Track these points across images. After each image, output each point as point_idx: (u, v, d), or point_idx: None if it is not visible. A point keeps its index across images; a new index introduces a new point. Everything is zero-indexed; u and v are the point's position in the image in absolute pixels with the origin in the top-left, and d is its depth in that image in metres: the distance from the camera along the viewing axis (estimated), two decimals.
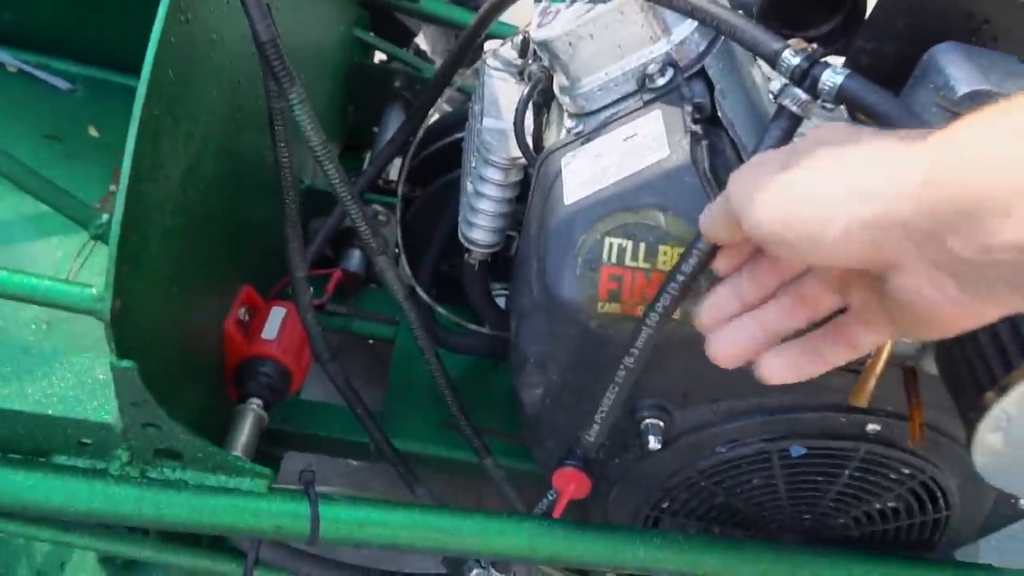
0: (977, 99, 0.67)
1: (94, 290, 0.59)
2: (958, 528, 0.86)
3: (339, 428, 1.14)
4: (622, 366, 0.69)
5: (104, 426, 0.68)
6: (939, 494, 0.82)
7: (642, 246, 0.69)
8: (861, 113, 0.61)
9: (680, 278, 0.64)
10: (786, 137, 0.63)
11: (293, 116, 0.67)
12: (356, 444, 1.14)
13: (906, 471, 0.80)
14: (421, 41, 1.64)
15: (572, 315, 0.72)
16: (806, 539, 0.86)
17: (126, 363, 0.61)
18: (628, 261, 0.70)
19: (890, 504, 0.83)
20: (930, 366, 0.65)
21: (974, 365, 0.54)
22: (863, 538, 0.87)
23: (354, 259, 1.25)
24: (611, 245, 0.70)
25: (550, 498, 0.77)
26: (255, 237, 1.02)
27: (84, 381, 0.70)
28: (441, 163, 1.25)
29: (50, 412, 0.69)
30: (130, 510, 0.70)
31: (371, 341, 1.35)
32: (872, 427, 0.77)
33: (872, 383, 0.64)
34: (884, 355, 0.63)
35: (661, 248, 0.69)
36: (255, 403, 0.93)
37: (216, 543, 0.83)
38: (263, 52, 0.64)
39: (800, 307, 0.52)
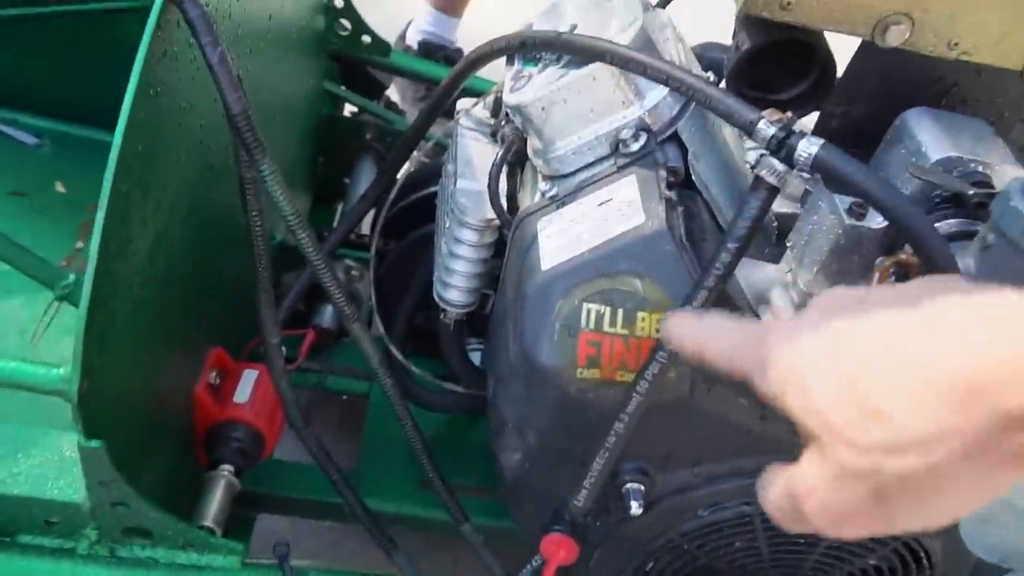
0: (949, 165, 0.68)
1: (61, 371, 0.57)
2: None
3: (312, 490, 1.12)
4: (612, 432, 0.68)
5: (71, 505, 0.66)
6: (923, 555, 0.82)
7: (620, 312, 0.69)
8: (836, 183, 0.62)
9: (663, 356, 0.64)
10: (764, 208, 0.63)
11: (264, 187, 0.66)
12: (330, 505, 1.11)
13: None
14: (392, 92, 1.64)
15: (551, 380, 0.72)
16: None
17: (94, 443, 0.59)
18: (607, 327, 0.70)
19: (873, 564, 0.83)
20: None
21: None
22: None
23: (327, 315, 1.24)
24: (589, 311, 0.70)
25: (534, 565, 0.76)
26: (226, 293, 1.00)
27: (51, 459, 0.68)
28: (414, 216, 1.25)
29: (15, 492, 0.67)
30: None
31: (344, 397, 1.33)
32: None
33: None
34: None
35: (639, 315, 0.69)
36: (227, 469, 0.91)
37: None
38: (234, 124, 0.63)
39: None
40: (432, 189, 1.22)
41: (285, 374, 0.81)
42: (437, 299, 0.93)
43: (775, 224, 0.82)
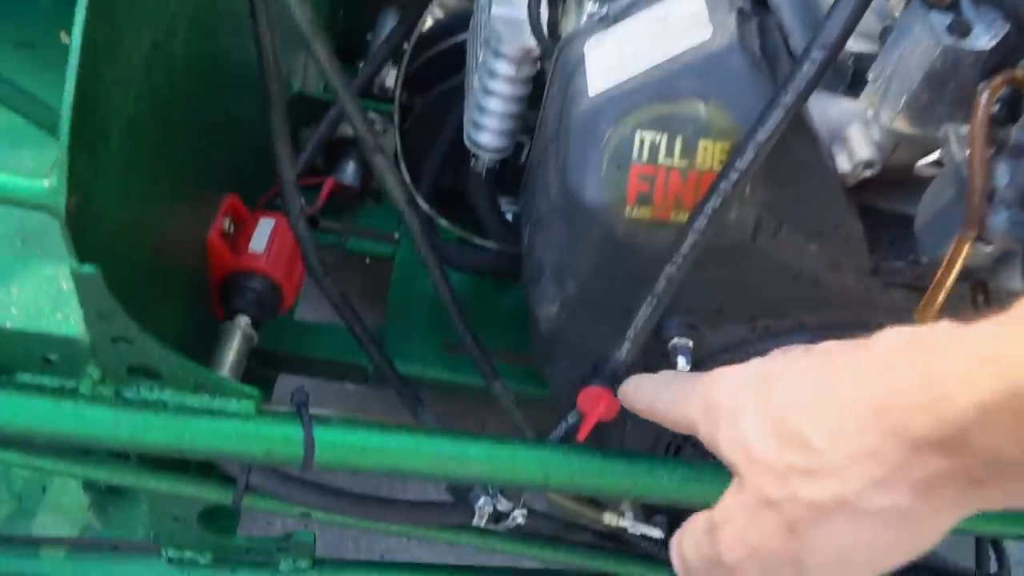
0: None
1: (47, 182, 0.50)
2: None
3: (335, 350, 1.08)
4: (663, 276, 0.61)
5: (70, 340, 0.60)
6: None
7: (678, 141, 0.61)
8: None
9: (734, 176, 0.56)
10: (856, 16, 0.53)
11: None
12: (353, 366, 1.07)
13: None
14: None
15: (596, 220, 0.64)
16: None
17: (88, 268, 0.53)
18: (662, 158, 0.62)
19: None
20: (1010, 280, 0.57)
21: None
22: None
23: (348, 171, 1.17)
24: (642, 140, 0.61)
25: (570, 421, 0.70)
26: (239, 141, 0.93)
27: (46, 291, 0.62)
28: (441, 69, 1.15)
29: (8, 325, 0.61)
30: (103, 433, 0.63)
31: (368, 260, 1.27)
32: None
33: (941, 298, 0.57)
34: (957, 265, 0.55)
35: (701, 143, 0.61)
36: (243, 320, 0.86)
37: (204, 468, 0.76)
38: None
39: None
40: (460, 38, 1.12)
41: (303, 216, 0.74)
42: (468, 143, 0.85)
43: (851, 62, 0.72)
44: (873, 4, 0.56)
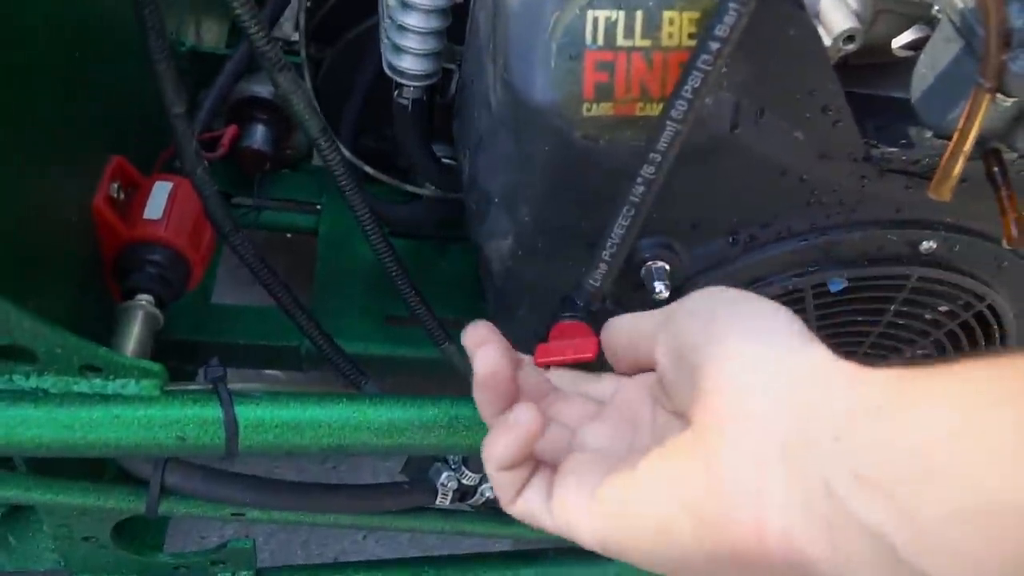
0: None
1: None
2: None
3: (262, 332, 0.96)
4: (639, 180, 0.51)
5: None
6: (995, 327, 0.68)
7: (639, 16, 0.51)
8: None
9: (714, 46, 0.47)
10: None
11: None
12: (285, 349, 0.96)
13: (961, 300, 0.66)
14: None
15: (548, 124, 0.54)
16: None
17: None
18: (620, 40, 0.52)
19: (934, 340, 0.70)
20: (1022, 143, 0.50)
21: None
22: None
23: (257, 135, 1.04)
24: (595, 20, 0.52)
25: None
26: (120, 104, 0.80)
27: None
28: (350, 14, 1.04)
29: None
30: None
31: (289, 236, 1.15)
32: (928, 245, 0.62)
33: (959, 167, 0.49)
34: (976, 124, 0.47)
35: (665, 16, 0.51)
36: (143, 299, 0.73)
37: (107, 472, 0.64)
38: None
39: None
40: None
41: (200, 160, 0.62)
42: (388, 70, 0.74)
43: None
44: None
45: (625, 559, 0.38)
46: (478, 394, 0.43)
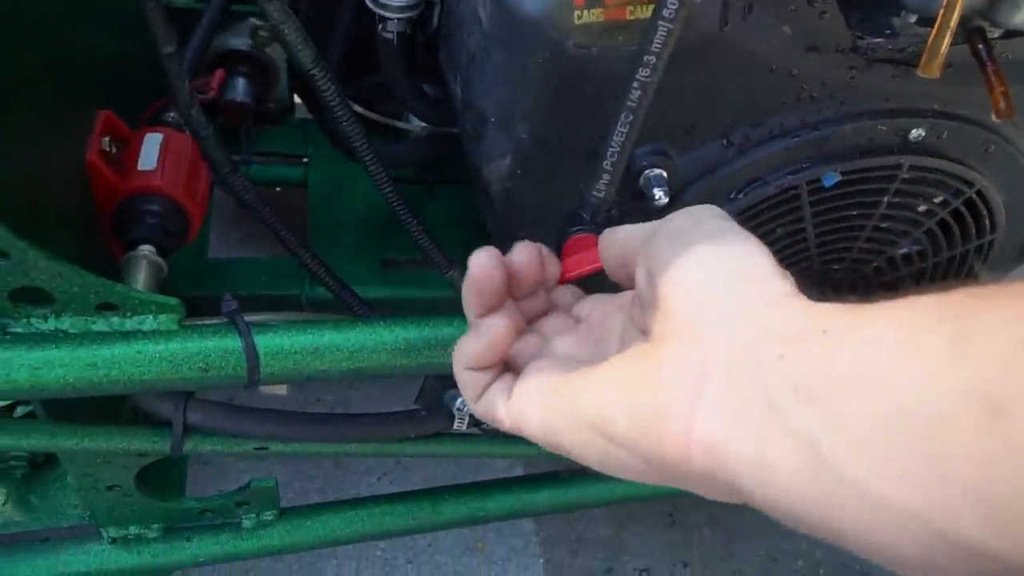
0: None
1: None
2: (998, 254, 0.75)
3: (261, 282, 0.97)
4: (635, 83, 0.52)
5: None
6: (985, 214, 0.70)
7: None
8: None
9: None
10: None
11: None
12: (285, 297, 0.96)
13: (952, 188, 0.67)
14: None
15: (540, 36, 0.55)
16: (836, 297, 0.74)
17: None
18: None
19: (930, 231, 0.71)
20: (1012, 14, 0.51)
21: None
22: (898, 282, 0.75)
23: (239, 88, 1.03)
24: None
25: None
26: (104, 58, 0.80)
27: None
28: None
29: None
30: None
31: (278, 189, 1.15)
32: (917, 132, 0.63)
33: (946, 43, 0.50)
34: (958, 6, 0.48)
35: None
36: (146, 249, 0.73)
37: (127, 416, 0.65)
38: None
39: None
40: None
41: (195, 102, 0.62)
42: (371, 4, 0.73)
43: None
44: None
45: (562, 451, 0.40)
46: (465, 292, 0.44)
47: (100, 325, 0.54)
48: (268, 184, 1.12)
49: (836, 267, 0.72)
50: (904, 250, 0.74)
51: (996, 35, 0.55)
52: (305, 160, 1.12)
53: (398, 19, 0.74)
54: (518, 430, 0.42)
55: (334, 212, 1.06)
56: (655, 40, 0.51)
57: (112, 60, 0.82)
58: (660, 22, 0.51)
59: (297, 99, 1.13)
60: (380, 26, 0.75)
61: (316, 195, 1.07)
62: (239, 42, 1.03)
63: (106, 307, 0.54)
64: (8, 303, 0.51)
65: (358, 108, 0.84)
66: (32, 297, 0.52)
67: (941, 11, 0.50)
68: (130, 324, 0.54)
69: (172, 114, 0.84)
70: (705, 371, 0.33)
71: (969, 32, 0.54)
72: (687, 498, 1.18)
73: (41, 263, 0.49)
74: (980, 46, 0.54)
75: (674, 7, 0.50)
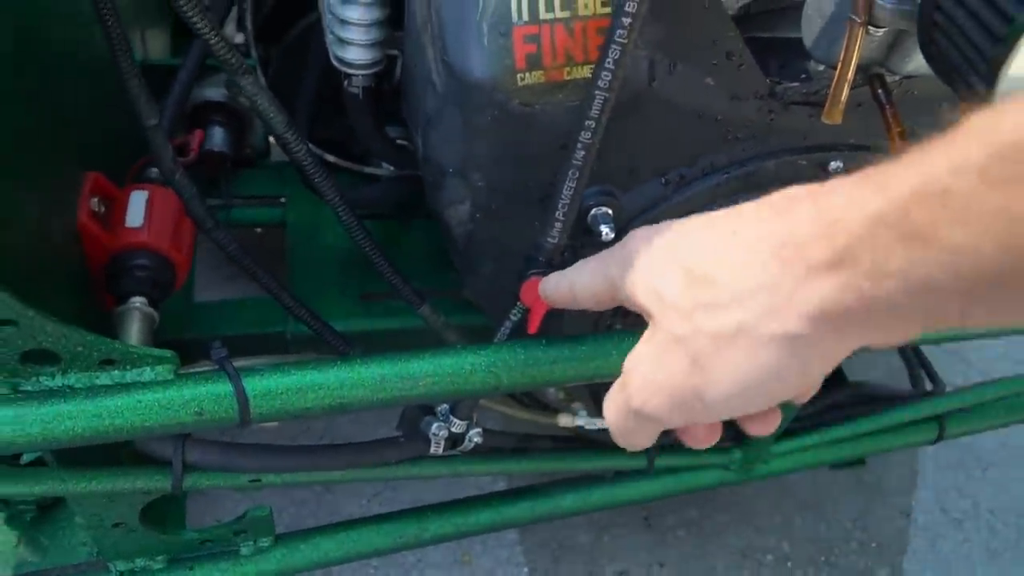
0: None
1: None
2: None
3: (247, 323, 1.02)
4: (578, 144, 0.58)
5: None
6: None
7: None
8: None
9: (626, 21, 0.54)
10: None
11: None
12: (270, 336, 1.02)
13: None
14: None
15: (488, 96, 0.61)
16: None
17: None
18: (543, 14, 0.59)
19: None
20: (904, 63, 0.58)
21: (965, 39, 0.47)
22: None
23: (216, 138, 1.09)
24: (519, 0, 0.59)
25: (514, 319, 0.68)
26: (89, 121, 0.85)
27: None
28: (290, 13, 1.09)
29: None
30: (11, 434, 0.56)
31: (258, 230, 1.20)
32: (835, 165, 0.70)
33: (845, 93, 0.57)
34: (855, 55, 0.55)
35: None
36: (137, 301, 0.79)
37: (138, 457, 0.70)
38: None
39: None
40: None
41: (178, 166, 0.68)
42: (336, 63, 0.80)
43: None
44: None
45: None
46: None
47: (103, 379, 0.59)
48: (248, 226, 1.17)
49: None
50: None
51: (897, 78, 0.62)
52: (283, 200, 1.18)
53: (362, 75, 0.80)
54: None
55: (312, 250, 1.11)
56: (593, 107, 0.58)
57: (99, 120, 0.88)
58: (597, 91, 0.57)
59: (272, 141, 1.20)
60: (346, 82, 0.82)
61: (295, 234, 1.12)
62: (215, 93, 1.09)
63: (107, 362, 0.59)
64: (20, 365, 0.57)
65: (330, 157, 0.90)
66: (40, 358, 0.57)
67: (839, 65, 0.56)
68: (130, 376, 0.60)
69: (155, 170, 0.90)
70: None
71: (870, 78, 0.61)
72: (661, 503, 1.24)
73: (48, 327, 0.55)
74: (879, 90, 0.60)
75: (608, 78, 0.56)
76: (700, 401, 0.42)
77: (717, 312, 0.40)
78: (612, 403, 0.49)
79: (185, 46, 1.19)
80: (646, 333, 0.46)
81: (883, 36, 0.57)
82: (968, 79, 0.47)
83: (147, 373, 0.60)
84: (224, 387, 0.61)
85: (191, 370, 0.63)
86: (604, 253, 0.53)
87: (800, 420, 1.05)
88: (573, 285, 0.55)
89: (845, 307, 0.35)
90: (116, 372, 0.60)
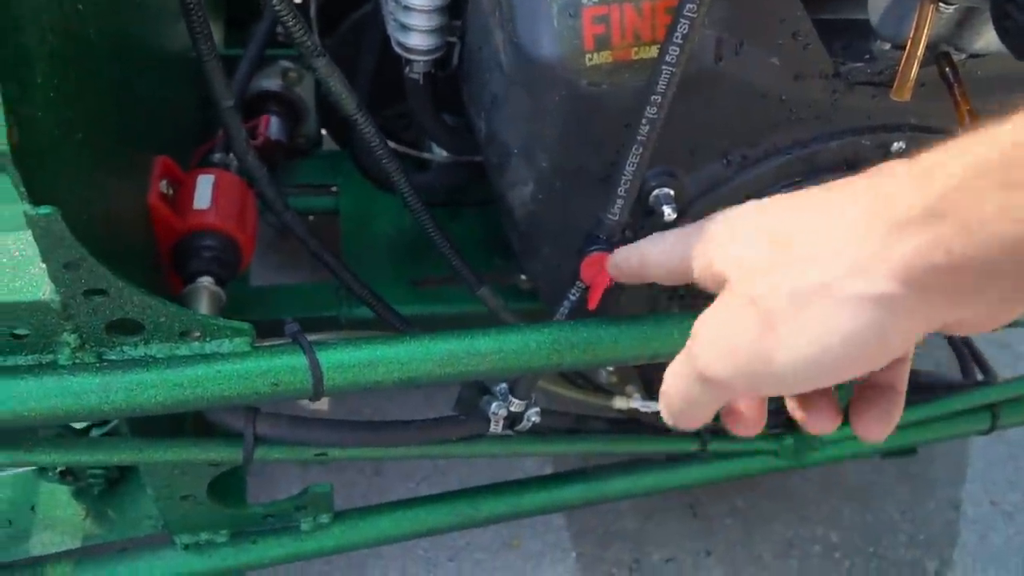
0: None
1: None
2: None
3: (303, 306, 1.04)
4: (643, 120, 0.59)
5: (38, 306, 0.56)
6: None
7: None
8: None
9: None
10: None
11: None
12: (326, 320, 1.04)
13: None
14: None
15: (557, 77, 0.62)
16: None
17: (45, 209, 0.49)
18: None
19: None
20: (974, 40, 0.58)
21: None
22: None
23: (273, 126, 1.12)
24: None
25: (573, 297, 0.69)
26: (159, 108, 0.88)
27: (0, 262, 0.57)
28: (346, 2, 1.11)
29: None
30: (96, 401, 0.59)
31: (311, 217, 1.23)
32: (898, 145, 0.70)
33: (915, 71, 0.57)
34: (924, 33, 0.55)
35: None
36: (205, 280, 0.81)
37: (204, 430, 0.73)
38: None
39: None
40: None
41: (250, 147, 0.70)
42: (397, 47, 0.81)
43: None
44: None
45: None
46: None
47: (183, 350, 0.61)
48: (303, 214, 1.19)
49: None
50: None
51: (963, 57, 0.62)
52: (335, 189, 1.20)
53: (423, 61, 0.82)
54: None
55: (365, 237, 1.14)
56: (660, 82, 0.58)
57: (168, 106, 0.90)
58: (664, 66, 0.58)
59: (324, 132, 1.22)
60: (407, 68, 0.83)
61: (348, 222, 1.15)
62: (271, 83, 1.11)
63: (187, 333, 0.61)
64: (104, 335, 0.59)
65: (391, 144, 0.92)
66: (125, 328, 0.59)
67: (909, 43, 0.57)
68: (209, 347, 0.62)
69: (218, 155, 0.92)
70: None
71: (936, 56, 0.61)
72: (707, 492, 1.24)
73: (135, 298, 0.57)
74: (947, 69, 0.61)
75: (676, 52, 0.57)
76: (768, 365, 0.39)
77: (797, 269, 0.38)
78: (675, 371, 0.46)
79: (242, 37, 1.23)
80: (720, 296, 0.44)
81: (952, 13, 0.57)
82: None
83: (225, 345, 0.62)
84: (299, 359, 0.63)
85: (267, 343, 0.65)
86: (684, 227, 0.51)
87: None
88: (644, 257, 0.56)
89: (934, 265, 0.34)
90: (196, 344, 0.62)
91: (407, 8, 0.78)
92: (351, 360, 0.64)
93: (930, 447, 1.33)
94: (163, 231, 0.82)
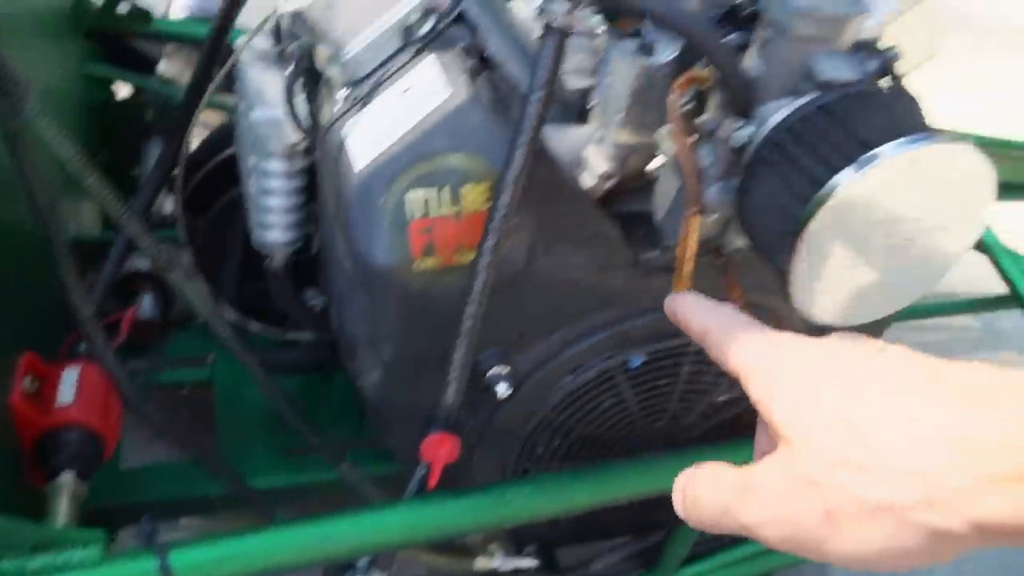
0: None
1: None
2: None
3: (173, 487, 1.05)
4: (465, 316, 0.67)
5: None
6: None
7: (445, 191, 0.68)
8: (627, 15, 0.63)
9: (500, 213, 0.63)
10: (559, 53, 0.63)
11: (36, 132, 0.60)
12: (196, 500, 1.05)
13: None
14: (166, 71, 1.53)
15: (391, 281, 0.70)
16: (666, 447, 0.89)
17: None
18: (434, 210, 0.69)
19: (734, 387, 0.87)
20: (736, 239, 0.68)
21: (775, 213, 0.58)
22: (716, 429, 0.90)
23: (145, 306, 1.15)
24: (414, 199, 0.68)
25: (420, 474, 0.74)
26: (22, 301, 0.91)
27: None
28: (218, 183, 1.18)
29: None
30: None
31: (184, 391, 1.25)
32: None
33: (689, 267, 0.67)
34: (692, 240, 0.65)
35: (464, 189, 0.68)
36: (67, 477, 0.83)
37: None
38: None
39: None
40: (229, 151, 1.16)
41: (109, 349, 0.74)
42: (257, 245, 0.88)
43: (576, 96, 0.83)
44: (587, 44, 0.67)
45: None
46: None
47: (35, 563, 0.63)
48: (178, 386, 1.22)
49: (659, 425, 0.87)
50: (723, 397, 0.90)
51: (733, 249, 0.73)
52: (210, 359, 1.23)
53: (282, 254, 0.89)
54: None
55: (239, 406, 1.16)
56: (475, 286, 0.67)
57: (33, 299, 0.93)
58: (478, 271, 0.66)
59: None
60: (267, 260, 0.90)
61: (222, 392, 1.17)
62: (142, 264, 1.16)
63: (39, 547, 0.63)
64: None
65: (254, 327, 0.97)
66: None
67: (680, 247, 0.67)
68: (61, 559, 0.64)
69: (85, 344, 0.95)
70: None
71: (710, 251, 0.71)
72: None
73: None
74: (717, 261, 0.71)
75: (486, 261, 0.66)
76: (819, 546, 0.40)
77: (867, 478, 0.38)
78: (714, 491, 0.45)
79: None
80: (778, 457, 0.42)
81: (715, 219, 0.68)
82: (774, 260, 0.57)
83: (77, 555, 0.64)
84: (150, 565, 0.65)
85: (124, 543, 0.67)
86: (752, 326, 0.49)
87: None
88: (708, 327, 0.52)
89: (1012, 526, 0.35)
90: (47, 556, 0.64)
91: (264, 209, 0.86)
92: (204, 559, 0.67)
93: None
94: (25, 428, 0.84)
